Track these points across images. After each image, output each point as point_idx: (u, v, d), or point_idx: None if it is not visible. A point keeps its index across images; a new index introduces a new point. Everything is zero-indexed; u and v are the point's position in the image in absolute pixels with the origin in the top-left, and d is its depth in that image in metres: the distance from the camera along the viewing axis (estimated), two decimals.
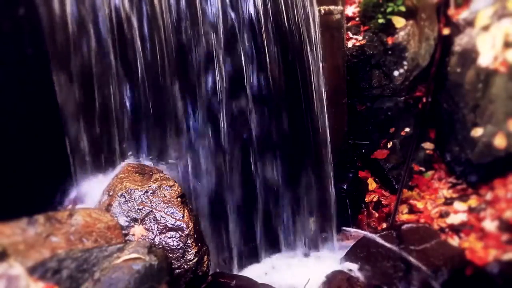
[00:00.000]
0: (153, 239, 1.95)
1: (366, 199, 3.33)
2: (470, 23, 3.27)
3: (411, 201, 3.19)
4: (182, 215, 2.01)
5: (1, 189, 1.89)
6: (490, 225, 2.81)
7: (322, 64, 2.83)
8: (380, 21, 3.42)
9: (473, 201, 3.00)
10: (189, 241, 1.96)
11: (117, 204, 2.01)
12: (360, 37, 3.48)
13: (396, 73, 3.43)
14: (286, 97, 2.71)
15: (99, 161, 2.25)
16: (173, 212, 2.01)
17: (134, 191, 2.05)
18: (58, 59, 2.08)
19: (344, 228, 3.11)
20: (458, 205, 3.03)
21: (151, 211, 2.00)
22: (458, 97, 3.19)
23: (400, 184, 3.23)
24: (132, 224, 1.98)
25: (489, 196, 2.96)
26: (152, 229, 1.97)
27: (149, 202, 2.03)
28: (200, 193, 2.55)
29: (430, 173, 3.32)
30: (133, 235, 1.95)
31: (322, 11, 2.91)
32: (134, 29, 2.22)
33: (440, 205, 3.09)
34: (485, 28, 3.12)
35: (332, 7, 3.01)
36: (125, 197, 2.03)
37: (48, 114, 2.10)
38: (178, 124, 2.46)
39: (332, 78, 3.06)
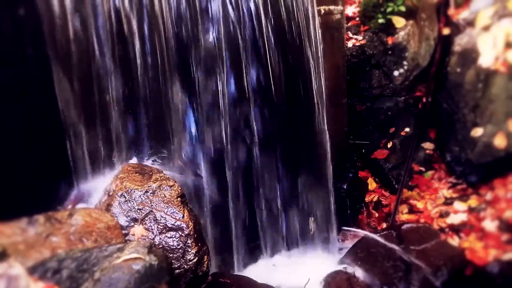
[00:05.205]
0: (153, 239, 1.95)
1: (366, 199, 3.33)
2: (470, 23, 3.27)
3: (411, 201, 3.19)
4: (182, 215, 2.01)
5: (1, 189, 1.89)
6: (490, 225, 2.81)
7: (322, 64, 2.83)
8: (380, 21, 3.42)
9: (473, 201, 3.00)
10: (189, 241, 1.96)
11: (117, 204, 2.01)
12: (360, 37, 3.49)
13: (396, 73, 3.43)
14: (286, 97, 2.71)
15: (99, 161, 2.25)
16: (173, 212, 2.01)
17: (134, 191, 2.05)
18: (58, 59, 2.08)
19: (344, 228, 3.11)
20: (458, 205, 3.03)
21: (151, 211, 2.00)
22: (458, 97, 3.19)
23: (400, 184, 3.24)
24: (132, 224, 1.98)
25: (489, 196, 2.96)
26: (152, 229, 1.97)
27: (149, 202, 2.03)
28: (201, 193, 2.55)
29: (430, 173, 3.32)
30: (133, 235, 1.95)
31: (322, 11, 2.91)
32: (134, 29, 2.22)
33: (440, 205, 3.09)
34: (486, 28, 3.12)
35: (332, 7, 3.01)
36: (125, 197, 2.03)
37: (48, 114, 2.10)
38: (178, 124, 2.46)
39: (332, 78, 3.06)
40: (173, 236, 1.96)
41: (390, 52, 3.41)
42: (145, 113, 2.35)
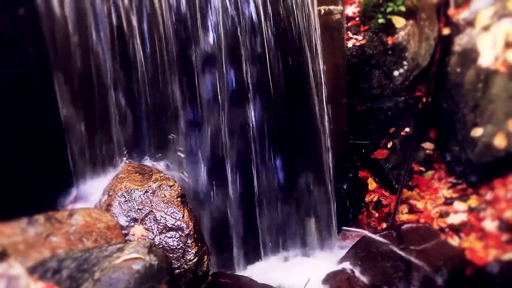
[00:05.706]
0: (153, 239, 1.95)
1: (366, 199, 3.33)
2: (470, 23, 3.27)
3: (411, 201, 3.19)
4: (182, 215, 2.01)
5: (1, 189, 1.89)
6: (490, 225, 2.81)
7: (322, 64, 2.83)
8: (380, 21, 3.42)
9: (473, 201, 3.00)
10: (189, 241, 1.96)
11: (117, 204, 2.01)
12: (360, 37, 3.49)
13: (396, 73, 3.43)
14: (286, 97, 2.71)
15: (99, 161, 2.25)
16: (173, 212, 2.02)
17: (134, 191, 2.05)
18: (58, 59, 2.08)
19: (344, 228, 3.11)
20: (458, 205, 3.03)
21: (151, 211, 2.01)
22: (458, 97, 3.19)
23: (400, 184, 3.23)
24: (132, 224, 1.98)
25: (489, 196, 2.96)
26: (152, 229, 1.97)
27: (149, 202, 2.03)
28: (201, 193, 2.55)
29: (430, 173, 3.32)
30: (133, 235, 1.95)
31: (322, 11, 2.91)
32: (134, 29, 2.22)
33: (440, 205, 3.09)
34: (486, 28, 3.12)
35: (332, 7, 3.01)
36: (125, 197, 2.03)
37: (48, 114, 2.10)
38: (179, 123, 2.46)
39: (332, 78, 3.06)
40: (173, 236, 1.97)
41: (390, 52, 3.41)
42: (145, 112, 2.35)
